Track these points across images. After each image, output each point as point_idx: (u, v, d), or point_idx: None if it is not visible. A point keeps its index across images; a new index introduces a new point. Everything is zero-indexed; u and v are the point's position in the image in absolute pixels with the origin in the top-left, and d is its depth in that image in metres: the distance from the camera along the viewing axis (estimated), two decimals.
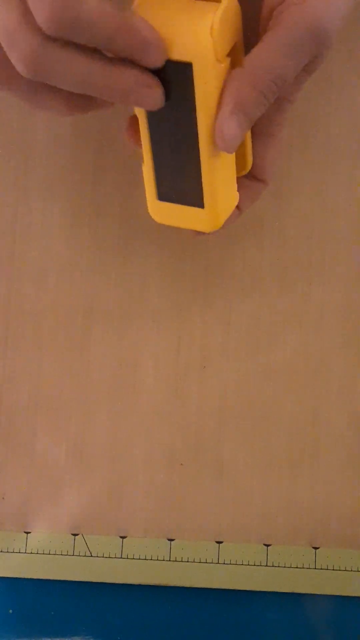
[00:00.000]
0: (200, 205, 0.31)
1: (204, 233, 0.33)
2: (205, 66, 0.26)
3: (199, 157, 0.29)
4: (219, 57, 0.27)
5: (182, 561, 0.38)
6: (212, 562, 0.38)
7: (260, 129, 0.32)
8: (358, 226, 0.40)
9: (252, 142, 0.32)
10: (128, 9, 0.27)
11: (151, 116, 0.29)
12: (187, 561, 0.38)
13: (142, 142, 0.30)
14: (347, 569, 0.38)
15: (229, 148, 0.28)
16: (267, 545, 0.38)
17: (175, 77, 0.27)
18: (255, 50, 0.27)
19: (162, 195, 0.31)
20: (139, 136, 0.30)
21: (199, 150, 0.29)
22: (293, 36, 0.27)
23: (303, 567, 0.38)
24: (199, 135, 0.28)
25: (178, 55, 0.26)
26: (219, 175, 0.30)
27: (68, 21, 0.24)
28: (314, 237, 0.40)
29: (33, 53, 0.25)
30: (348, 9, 0.28)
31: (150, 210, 0.32)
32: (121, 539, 0.38)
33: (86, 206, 0.40)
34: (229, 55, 0.28)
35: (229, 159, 0.31)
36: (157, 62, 0.26)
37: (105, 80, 0.26)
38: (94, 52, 0.26)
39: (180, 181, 0.30)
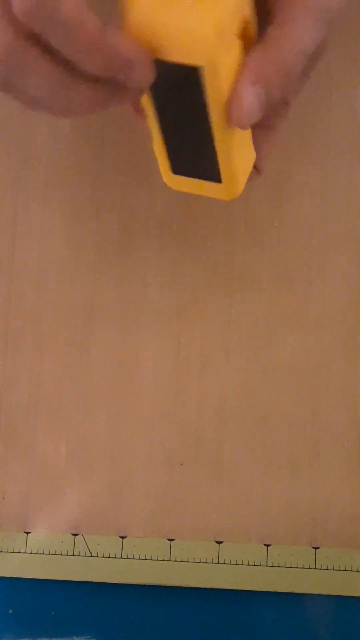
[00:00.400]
0: (218, 180, 0.30)
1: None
2: (214, 66, 0.25)
3: (213, 137, 0.28)
4: (228, 48, 0.26)
5: (182, 561, 0.38)
6: (212, 562, 0.38)
7: (263, 120, 0.32)
8: (358, 226, 0.40)
9: (252, 132, 0.31)
10: (113, 23, 0.25)
11: (157, 99, 0.28)
12: (187, 561, 0.38)
13: (149, 121, 0.29)
14: (347, 569, 0.38)
15: (244, 121, 0.27)
16: (267, 545, 0.38)
17: (180, 73, 0.26)
18: (274, 29, 0.27)
19: (177, 170, 0.30)
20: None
21: (212, 131, 0.28)
22: (309, 14, 0.27)
23: (303, 567, 0.38)
24: (212, 120, 0.27)
25: (182, 58, 0.25)
26: (235, 149, 0.29)
27: (43, 15, 0.23)
28: (314, 237, 0.40)
29: (5, 46, 0.24)
30: None
31: (164, 179, 0.31)
32: (121, 539, 0.38)
33: (86, 206, 0.40)
34: (240, 35, 0.27)
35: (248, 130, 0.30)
36: (142, 84, 0.25)
37: (72, 94, 0.26)
38: (67, 63, 0.25)
39: (194, 158, 0.29)
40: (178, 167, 0.30)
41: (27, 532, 0.38)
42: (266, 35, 0.27)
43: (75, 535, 0.38)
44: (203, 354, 0.39)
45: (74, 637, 0.38)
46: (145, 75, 0.25)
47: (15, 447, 0.39)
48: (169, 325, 0.40)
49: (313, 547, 0.38)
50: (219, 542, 0.38)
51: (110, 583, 0.38)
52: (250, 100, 0.26)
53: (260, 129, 0.32)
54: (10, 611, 0.38)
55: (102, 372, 0.39)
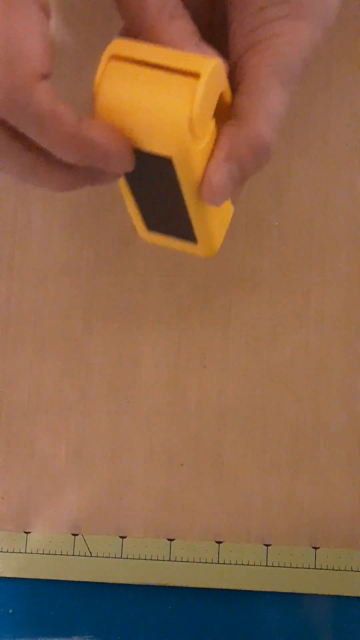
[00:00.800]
0: (193, 241, 0.29)
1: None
2: (185, 155, 0.24)
3: (187, 210, 0.27)
4: (202, 132, 0.24)
5: (182, 561, 0.38)
6: (212, 562, 0.38)
7: None
8: (358, 226, 0.40)
9: None
10: (88, 111, 0.24)
11: (129, 175, 0.26)
12: (187, 561, 0.38)
13: (120, 186, 0.28)
14: (346, 569, 0.38)
15: (216, 199, 0.26)
16: (267, 545, 0.38)
17: (152, 157, 0.25)
18: (242, 99, 0.26)
19: (151, 228, 0.30)
20: None
21: (186, 205, 0.27)
22: (274, 79, 0.26)
23: (303, 567, 0.38)
24: (185, 197, 0.26)
25: (152, 148, 0.24)
26: (210, 215, 0.28)
27: (16, 108, 0.23)
28: (314, 237, 0.40)
29: None
30: (312, 47, 0.27)
31: (139, 234, 0.30)
32: (121, 539, 0.38)
33: (86, 206, 0.40)
34: (215, 112, 0.26)
35: None
36: (121, 172, 0.25)
37: (51, 177, 0.25)
38: (42, 151, 0.24)
39: (169, 223, 0.29)
40: (152, 227, 0.29)
41: (27, 532, 0.39)
42: (235, 105, 0.26)
43: (75, 535, 0.38)
44: (203, 354, 0.39)
45: (74, 637, 0.38)
46: (125, 164, 0.25)
47: (15, 446, 0.39)
48: (169, 325, 0.40)
49: (313, 547, 0.38)
50: (219, 542, 0.38)
51: (110, 583, 0.38)
52: (221, 179, 0.25)
53: None
54: (11, 611, 0.38)
55: (102, 372, 0.39)
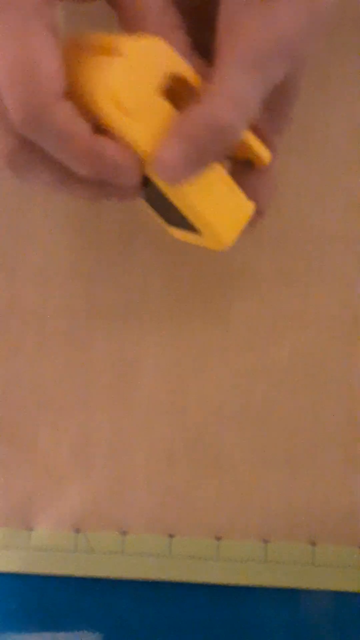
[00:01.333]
0: (199, 233, 0.30)
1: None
2: (119, 128, 0.25)
3: (166, 195, 0.28)
4: (133, 111, 0.25)
5: (182, 557, 0.38)
6: (211, 559, 0.38)
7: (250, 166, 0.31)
8: (358, 227, 0.40)
9: (245, 179, 0.31)
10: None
11: None
12: (187, 557, 0.38)
13: None
14: (345, 565, 0.38)
15: (169, 176, 0.26)
16: (266, 542, 0.38)
17: None
18: (210, 81, 0.26)
19: (170, 223, 0.31)
20: None
21: (162, 190, 0.27)
22: (240, 65, 0.26)
23: (301, 563, 0.38)
24: (158, 185, 0.27)
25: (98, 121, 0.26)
26: (200, 205, 0.28)
27: (37, 126, 0.24)
28: (314, 237, 0.40)
29: (10, 152, 0.26)
30: (292, 31, 0.26)
31: (168, 231, 0.32)
32: (122, 536, 0.39)
33: (87, 206, 0.40)
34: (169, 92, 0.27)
35: (216, 182, 0.28)
36: (130, 183, 0.26)
37: (80, 188, 0.27)
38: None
39: (172, 215, 0.30)
40: (169, 222, 0.31)
41: (30, 529, 0.39)
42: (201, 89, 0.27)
43: (77, 531, 0.39)
44: (203, 353, 0.40)
45: (76, 631, 0.39)
46: (133, 176, 0.26)
47: (17, 444, 0.40)
48: (169, 324, 0.40)
49: (311, 544, 0.38)
50: (219, 539, 0.39)
51: (111, 578, 0.39)
52: (172, 156, 0.25)
53: (251, 174, 0.31)
54: (14, 606, 0.39)
55: (103, 371, 0.40)
